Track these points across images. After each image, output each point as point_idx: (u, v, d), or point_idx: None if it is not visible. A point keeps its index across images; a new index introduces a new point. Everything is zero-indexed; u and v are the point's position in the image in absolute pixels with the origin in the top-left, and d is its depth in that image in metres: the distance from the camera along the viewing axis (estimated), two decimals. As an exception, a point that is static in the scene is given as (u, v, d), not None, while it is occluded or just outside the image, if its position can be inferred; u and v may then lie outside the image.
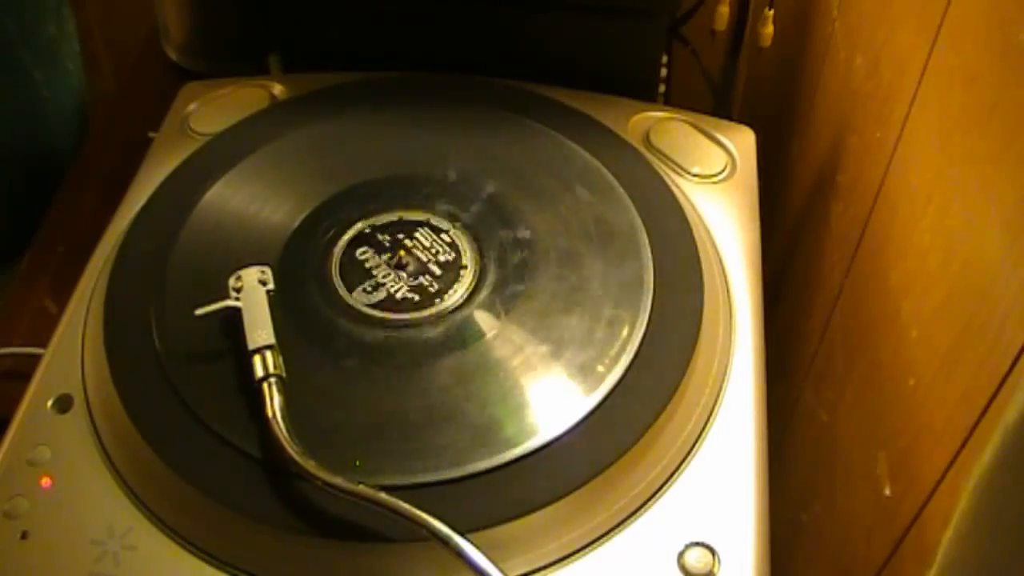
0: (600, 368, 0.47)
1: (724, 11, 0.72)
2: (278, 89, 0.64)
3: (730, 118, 0.63)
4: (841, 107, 0.63)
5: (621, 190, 0.55)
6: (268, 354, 0.46)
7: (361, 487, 0.41)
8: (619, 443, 0.45)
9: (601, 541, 0.44)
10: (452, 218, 0.54)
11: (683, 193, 0.57)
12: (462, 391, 0.47)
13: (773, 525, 0.45)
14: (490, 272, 0.52)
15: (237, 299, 0.48)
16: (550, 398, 0.46)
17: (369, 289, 0.51)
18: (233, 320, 0.48)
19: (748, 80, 0.76)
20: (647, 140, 0.60)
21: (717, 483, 0.46)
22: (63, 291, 0.55)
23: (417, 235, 0.53)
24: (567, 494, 0.43)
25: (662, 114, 0.62)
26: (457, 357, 0.48)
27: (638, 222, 0.53)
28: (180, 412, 0.46)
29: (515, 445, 0.44)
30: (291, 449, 0.42)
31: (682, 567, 0.43)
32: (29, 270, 0.70)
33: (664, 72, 0.70)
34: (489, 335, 0.49)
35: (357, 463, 0.44)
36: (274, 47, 0.70)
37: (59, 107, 0.78)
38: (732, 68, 0.73)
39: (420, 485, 0.43)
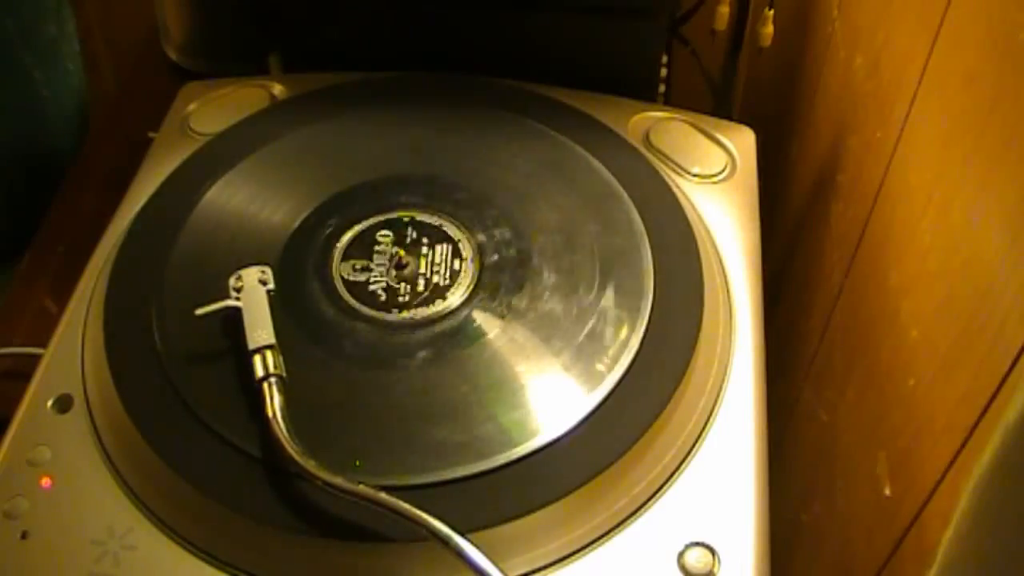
0: (600, 368, 0.47)
1: (724, 11, 0.72)
2: (278, 89, 0.64)
3: (730, 118, 0.63)
4: (841, 107, 0.63)
5: (621, 190, 0.55)
6: (268, 354, 0.46)
7: (361, 487, 0.41)
8: (619, 443, 0.45)
9: (601, 541, 0.44)
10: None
11: (683, 193, 0.57)
12: (462, 391, 0.47)
13: (773, 525, 0.45)
14: (490, 272, 0.52)
15: (237, 299, 0.48)
16: (550, 398, 0.46)
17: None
18: (233, 320, 0.48)
19: (748, 80, 0.76)
20: (647, 140, 0.60)
21: (717, 483, 0.46)
22: (63, 291, 0.55)
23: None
24: (567, 494, 0.43)
25: (662, 114, 0.62)
26: (457, 357, 0.48)
27: (638, 222, 0.53)
28: (180, 412, 0.46)
29: (515, 445, 0.44)
30: (291, 449, 0.42)
31: (682, 567, 0.43)
32: (29, 270, 0.70)
33: (664, 72, 0.70)
34: (489, 335, 0.49)
35: (357, 463, 0.44)
36: (274, 47, 0.70)
37: (59, 107, 0.78)
38: (732, 68, 0.73)
39: (420, 485, 0.43)
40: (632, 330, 0.49)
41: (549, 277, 0.51)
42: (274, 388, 0.45)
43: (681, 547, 0.43)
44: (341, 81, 0.63)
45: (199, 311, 0.48)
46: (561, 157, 0.57)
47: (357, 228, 0.54)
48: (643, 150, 0.59)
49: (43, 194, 0.75)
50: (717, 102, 0.76)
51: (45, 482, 0.46)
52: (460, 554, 0.39)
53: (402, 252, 0.52)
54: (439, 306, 0.50)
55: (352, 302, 0.50)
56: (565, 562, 0.43)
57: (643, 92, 0.65)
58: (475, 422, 0.45)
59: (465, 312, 0.50)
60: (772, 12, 0.71)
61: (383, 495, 0.41)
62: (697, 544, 0.44)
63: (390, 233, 0.54)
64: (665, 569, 0.43)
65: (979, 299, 0.38)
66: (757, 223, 0.57)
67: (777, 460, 0.49)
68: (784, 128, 0.79)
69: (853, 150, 0.59)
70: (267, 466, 0.44)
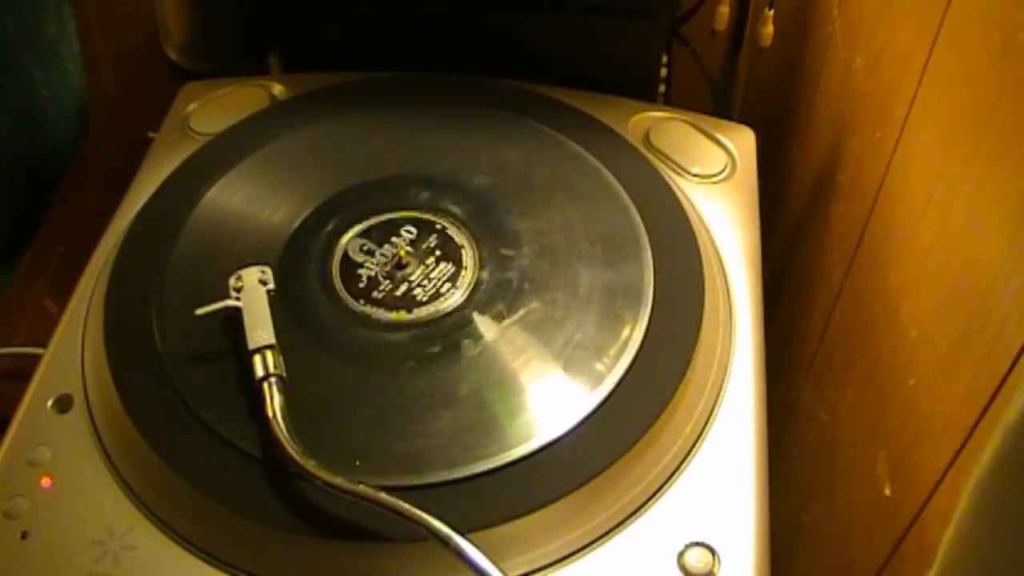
0: (600, 368, 0.47)
1: (724, 11, 0.72)
2: (278, 89, 0.64)
3: (730, 118, 0.63)
4: (841, 107, 0.63)
5: (621, 190, 0.55)
6: (268, 354, 0.46)
7: (361, 487, 0.41)
8: (619, 443, 0.45)
9: (601, 541, 0.44)
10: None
11: (683, 193, 0.57)
12: (462, 391, 0.47)
13: (773, 525, 0.45)
14: (490, 272, 0.52)
15: (237, 299, 0.48)
16: (550, 398, 0.46)
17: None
18: (233, 320, 0.48)
19: (748, 80, 0.76)
20: (647, 140, 0.60)
21: (717, 483, 0.46)
22: (63, 291, 0.55)
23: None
24: (567, 494, 0.43)
25: (662, 114, 0.62)
26: (457, 357, 0.48)
27: (638, 222, 0.53)
28: (180, 412, 0.46)
29: (515, 445, 0.44)
30: (291, 449, 0.42)
31: (682, 567, 0.43)
32: (29, 270, 0.70)
33: (664, 72, 0.70)
34: (489, 335, 0.49)
35: (357, 463, 0.44)
36: (274, 47, 0.70)
37: (59, 107, 0.78)
38: (732, 68, 0.73)
39: (420, 485, 0.43)
40: (632, 330, 0.49)
41: (549, 277, 0.51)
42: (274, 388, 0.45)
43: (681, 547, 0.43)
44: (341, 81, 0.63)
45: (199, 311, 0.48)
46: (561, 157, 0.57)
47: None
48: (643, 150, 0.59)
49: (43, 194, 0.75)
50: (717, 102, 0.76)
51: (45, 482, 0.46)
52: (460, 554, 0.39)
53: (402, 252, 0.52)
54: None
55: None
56: (565, 562, 0.43)
57: (643, 92, 0.65)
58: (475, 422, 0.45)
59: (465, 312, 0.50)
60: (772, 12, 0.71)
61: (383, 495, 0.41)
62: (697, 544, 0.44)
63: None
64: (665, 569, 0.43)
65: (979, 299, 0.38)
66: (757, 223, 0.57)
67: (777, 460, 0.49)
68: (784, 128, 0.79)
69: (853, 150, 0.59)
70: (267, 466, 0.44)
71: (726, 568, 0.43)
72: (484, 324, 0.49)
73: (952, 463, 0.38)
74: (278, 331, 0.47)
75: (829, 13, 0.69)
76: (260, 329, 0.47)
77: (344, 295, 0.51)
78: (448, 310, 0.50)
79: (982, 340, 0.37)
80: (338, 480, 0.41)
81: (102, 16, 0.92)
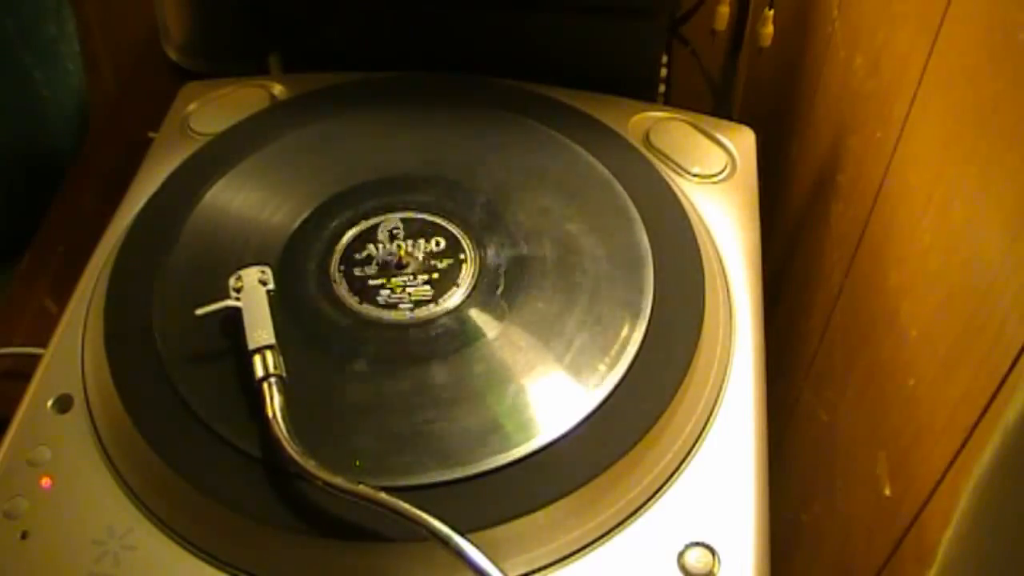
0: (600, 368, 0.47)
1: (724, 11, 0.72)
2: (278, 89, 0.64)
3: (730, 118, 0.63)
4: (841, 107, 0.63)
5: (621, 190, 0.55)
6: (268, 354, 0.46)
7: (361, 487, 0.41)
8: (619, 443, 0.45)
9: (601, 541, 0.44)
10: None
11: (683, 193, 0.57)
12: (462, 391, 0.47)
13: (773, 525, 0.45)
14: (490, 272, 0.52)
15: (237, 299, 0.48)
16: (550, 398, 0.46)
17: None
18: (233, 320, 0.48)
19: (748, 80, 0.76)
20: (647, 140, 0.60)
21: (717, 483, 0.46)
22: (63, 291, 0.55)
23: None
24: (567, 494, 0.43)
25: (662, 114, 0.62)
26: (457, 357, 0.48)
27: (638, 222, 0.53)
28: (180, 412, 0.46)
29: (515, 445, 0.44)
30: (291, 449, 0.42)
31: (682, 567, 0.43)
32: (29, 270, 0.70)
33: (664, 72, 0.70)
34: (489, 335, 0.49)
35: (357, 463, 0.44)
36: (274, 47, 0.70)
37: (59, 107, 0.78)
38: (732, 68, 0.73)
39: (420, 485, 0.43)
40: (632, 330, 0.49)
41: (549, 277, 0.51)
42: (274, 388, 0.45)
43: (681, 547, 0.43)
44: (341, 81, 0.63)
45: (199, 311, 0.48)
46: (561, 157, 0.57)
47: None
48: (643, 150, 0.59)
49: (43, 194, 0.75)
50: (717, 102, 0.76)
51: (45, 482, 0.46)
52: (460, 554, 0.39)
53: (402, 252, 0.52)
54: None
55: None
56: (565, 562, 0.43)
57: (643, 92, 0.65)
58: (475, 422, 0.45)
59: (465, 312, 0.50)
60: (772, 12, 0.71)
61: (383, 495, 0.41)
62: (697, 544, 0.44)
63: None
64: (665, 569, 0.43)
65: (979, 299, 0.38)
66: (757, 223, 0.57)
67: (777, 460, 0.49)
68: (784, 128, 0.79)
69: (853, 150, 0.59)
70: (267, 466, 0.44)
71: (726, 568, 0.43)
72: (484, 324, 0.49)
73: (952, 463, 0.38)
74: (278, 331, 0.47)
75: (829, 13, 0.69)
76: (260, 329, 0.47)
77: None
78: (448, 309, 0.50)
79: (982, 340, 0.37)
80: (338, 480, 0.41)
81: (102, 16, 0.92)
